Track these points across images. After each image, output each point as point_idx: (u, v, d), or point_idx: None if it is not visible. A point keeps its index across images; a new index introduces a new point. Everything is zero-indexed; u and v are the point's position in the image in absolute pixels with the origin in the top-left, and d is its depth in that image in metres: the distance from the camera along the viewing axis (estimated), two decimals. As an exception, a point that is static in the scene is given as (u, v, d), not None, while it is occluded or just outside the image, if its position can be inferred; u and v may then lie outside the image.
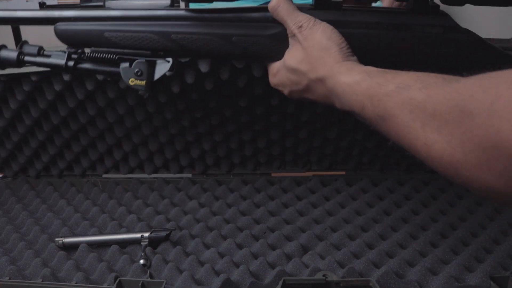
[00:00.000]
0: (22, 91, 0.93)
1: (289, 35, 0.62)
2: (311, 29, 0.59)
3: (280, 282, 0.67)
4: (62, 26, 0.64)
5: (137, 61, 0.65)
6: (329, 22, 0.60)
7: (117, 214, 0.95)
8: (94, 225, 0.92)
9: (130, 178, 1.08)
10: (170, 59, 0.66)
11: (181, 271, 0.77)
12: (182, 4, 1.10)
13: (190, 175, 1.08)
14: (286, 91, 0.64)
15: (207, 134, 1.01)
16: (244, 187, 1.04)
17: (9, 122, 1.00)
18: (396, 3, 0.71)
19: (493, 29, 0.71)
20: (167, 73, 0.68)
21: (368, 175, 1.06)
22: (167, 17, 0.64)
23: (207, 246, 0.84)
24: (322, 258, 0.80)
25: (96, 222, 0.93)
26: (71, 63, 0.66)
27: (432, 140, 0.40)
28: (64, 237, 0.86)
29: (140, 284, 0.69)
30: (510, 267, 0.78)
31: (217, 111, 0.97)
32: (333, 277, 0.71)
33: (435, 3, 0.64)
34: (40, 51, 0.68)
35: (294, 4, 0.62)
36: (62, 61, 0.66)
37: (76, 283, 0.75)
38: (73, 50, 0.67)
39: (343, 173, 1.08)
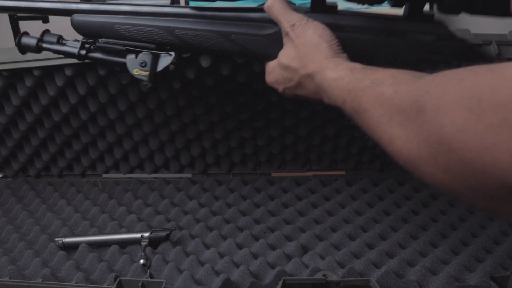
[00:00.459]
0: (24, 86, 0.93)
1: (283, 34, 0.64)
2: (303, 27, 0.61)
3: (280, 282, 0.67)
4: (77, 17, 0.70)
5: (142, 53, 0.70)
6: (323, 24, 0.62)
7: (117, 214, 0.95)
8: (94, 225, 0.92)
9: (130, 178, 1.08)
10: (172, 53, 0.70)
11: (181, 271, 0.77)
12: (183, 1, 1.10)
13: (190, 175, 1.08)
14: (280, 89, 0.66)
15: (207, 131, 1.02)
16: (244, 187, 1.04)
17: (11, 119, 1.00)
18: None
19: (491, 25, 0.71)
20: (170, 67, 0.73)
21: (368, 175, 1.06)
22: (172, 13, 0.69)
23: (207, 246, 0.84)
24: (322, 258, 0.80)
25: (96, 222, 0.93)
26: (83, 52, 0.72)
27: (395, 134, 0.41)
28: (64, 237, 0.86)
29: (140, 284, 0.69)
30: (510, 267, 0.78)
31: (218, 108, 0.97)
32: (333, 277, 0.71)
33: (430, 11, 0.65)
34: (59, 40, 0.74)
35: (289, 4, 0.64)
36: (75, 50, 0.72)
37: (76, 283, 0.75)
38: (86, 40, 0.73)
39: (343, 173, 1.08)
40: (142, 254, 0.81)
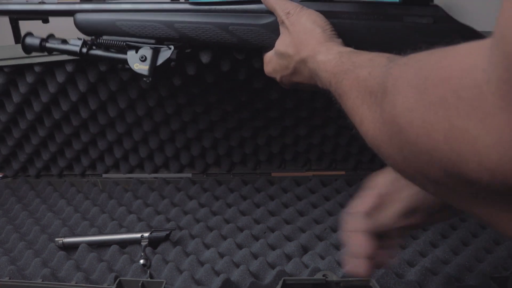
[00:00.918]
0: (26, 83, 0.93)
1: (279, 23, 0.65)
2: (297, 15, 0.62)
3: (280, 282, 0.67)
4: (80, 16, 0.72)
5: (142, 48, 0.72)
6: (318, 12, 0.63)
7: (117, 214, 0.95)
8: (94, 225, 0.92)
9: (130, 178, 1.08)
10: (172, 47, 0.72)
11: (181, 271, 0.77)
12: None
13: (190, 175, 1.08)
14: (278, 77, 0.66)
15: (207, 130, 1.02)
16: (244, 187, 1.04)
17: (11, 117, 1.00)
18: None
19: (489, 22, 0.71)
20: (172, 64, 0.74)
21: (368, 175, 1.06)
22: (171, 9, 0.71)
23: (207, 246, 0.84)
24: (322, 258, 0.80)
25: (96, 222, 0.93)
26: (84, 50, 0.74)
27: (364, 116, 0.41)
28: (64, 237, 0.86)
29: (140, 284, 0.69)
30: (510, 267, 0.78)
31: (218, 106, 0.97)
32: (333, 277, 0.71)
33: None
34: (62, 41, 0.77)
35: None
36: (77, 48, 0.74)
37: (76, 283, 0.75)
38: (88, 38, 0.75)
39: (343, 173, 1.08)
40: (142, 254, 0.81)
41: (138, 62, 0.71)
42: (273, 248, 0.84)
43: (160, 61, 0.72)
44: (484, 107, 0.26)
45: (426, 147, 0.31)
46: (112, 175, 1.09)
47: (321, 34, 0.60)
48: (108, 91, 0.95)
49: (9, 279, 0.77)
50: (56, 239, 0.85)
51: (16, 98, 0.96)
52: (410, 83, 0.33)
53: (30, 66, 0.91)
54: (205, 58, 0.84)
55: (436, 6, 0.66)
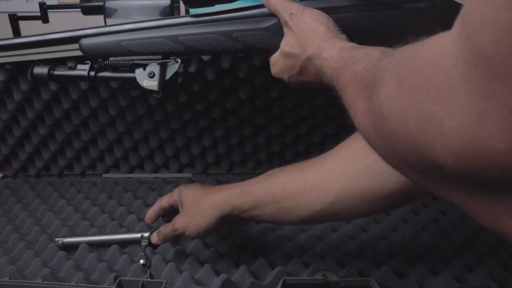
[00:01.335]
0: (27, 80, 0.93)
1: (283, 24, 0.66)
2: (300, 15, 0.63)
3: (280, 282, 0.67)
4: (85, 41, 0.73)
5: (149, 64, 0.72)
6: (319, 9, 0.64)
7: (117, 214, 0.95)
8: (94, 225, 0.92)
9: (130, 178, 1.08)
10: (178, 60, 0.72)
11: (181, 271, 0.77)
12: (183, 7, 1.09)
13: (190, 175, 1.08)
14: (285, 78, 0.67)
15: (207, 129, 1.02)
16: (244, 187, 1.03)
17: (12, 116, 1.00)
18: None
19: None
20: (179, 79, 0.77)
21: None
22: (174, 23, 0.71)
23: (207, 246, 0.84)
24: (322, 258, 0.80)
25: (96, 222, 0.93)
26: (92, 73, 0.75)
27: (358, 108, 0.42)
28: (64, 237, 0.86)
29: (140, 284, 0.69)
30: (510, 267, 0.78)
31: (218, 104, 0.97)
32: (333, 277, 0.71)
33: None
34: (69, 67, 0.78)
35: None
36: (85, 72, 0.75)
37: (76, 283, 0.75)
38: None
39: (343, 172, 1.08)
40: (142, 254, 0.81)
41: (147, 79, 0.72)
42: (273, 248, 0.84)
43: (168, 75, 0.73)
44: (450, 91, 0.27)
45: (402, 134, 0.32)
46: (112, 175, 1.09)
47: (325, 31, 0.60)
48: (109, 89, 0.94)
49: (9, 279, 0.77)
50: (56, 239, 0.85)
51: (17, 96, 0.96)
52: (393, 73, 0.34)
53: (32, 63, 0.90)
54: (205, 55, 0.85)
55: None
